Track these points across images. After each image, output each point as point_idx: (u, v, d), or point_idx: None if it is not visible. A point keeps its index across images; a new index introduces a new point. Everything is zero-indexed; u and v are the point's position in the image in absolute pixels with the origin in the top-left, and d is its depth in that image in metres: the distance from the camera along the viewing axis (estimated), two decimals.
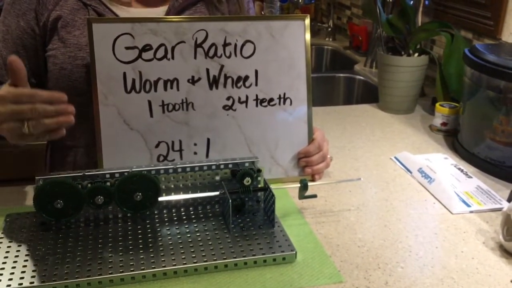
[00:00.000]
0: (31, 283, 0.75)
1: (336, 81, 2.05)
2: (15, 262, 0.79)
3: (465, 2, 1.59)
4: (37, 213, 0.86)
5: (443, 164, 1.16)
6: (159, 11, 1.06)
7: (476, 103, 1.20)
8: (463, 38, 1.47)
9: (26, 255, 0.81)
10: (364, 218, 0.96)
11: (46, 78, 1.06)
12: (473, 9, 1.55)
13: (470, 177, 1.11)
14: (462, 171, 1.13)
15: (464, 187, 1.06)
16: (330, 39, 2.53)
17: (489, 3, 1.47)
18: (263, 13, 2.61)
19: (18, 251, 0.82)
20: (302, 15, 1.02)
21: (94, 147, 0.98)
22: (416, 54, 1.49)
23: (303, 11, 2.65)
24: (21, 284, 0.74)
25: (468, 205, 1.00)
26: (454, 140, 1.30)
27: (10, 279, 0.75)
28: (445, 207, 1.00)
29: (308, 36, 1.01)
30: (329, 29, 2.54)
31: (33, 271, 0.77)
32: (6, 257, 0.80)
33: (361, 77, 1.99)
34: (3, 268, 0.77)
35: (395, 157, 1.21)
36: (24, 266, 0.78)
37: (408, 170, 1.15)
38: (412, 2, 1.53)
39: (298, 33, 1.01)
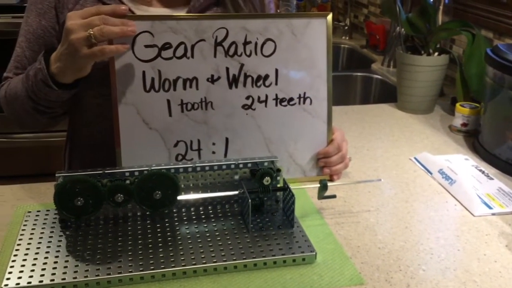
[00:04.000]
0: (51, 280, 0.75)
1: (353, 80, 2.04)
2: (35, 259, 0.79)
3: (486, 1, 1.57)
4: (57, 210, 0.86)
5: (464, 165, 1.15)
6: (179, 12, 1.05)
7: (498, 103, 1.18)
8: (484, 37, 1.45)
9: (46, 252, 0.81)
10: (384, 219, 0.95)
11: None
12: (494, 8, 1.53)
13: (491, 178, 1.09)
14: (483, 172, 1.12)
15: (486, 189, 1.05)
16: (347, 38, 2.51)
17: (510, 2, 1.45)
18: (279, 11, 2.60)
19: (38, 248, 0.82)
20: (324, 13, 1.00)
21: (112, 145, 0.98)
22: (436, 54, 1.47)
23: (319, 9, 2.64)
24: (41, 281, 0.75)
25: (490, 207, 0.99)
26: (474, 141, 1.29)
27: (31, 276, 0.75)
28: (466, 209, 0.99)
29: (330, 34, 1.00)
30: (346, 27, 2.53)
31: (53, 268, 0.77)
32: (26, 254, 0.80)
33: (379, 76, 1.97)
34: (23, 265, 0.78)
35: (415, 158, 1.20)
36: (44, 263, 0.78)
37: (429, 171, 1.13)
38: (432, 0, 1.51)
39: (320, 31, 1.00)
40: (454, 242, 0.88)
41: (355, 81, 2.04)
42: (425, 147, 1.27)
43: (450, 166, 1.11)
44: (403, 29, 1.54)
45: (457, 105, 1.36)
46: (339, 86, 1.99)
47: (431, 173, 1.12)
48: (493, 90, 1.19)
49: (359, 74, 2.03)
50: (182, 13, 1.05)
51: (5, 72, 1.06)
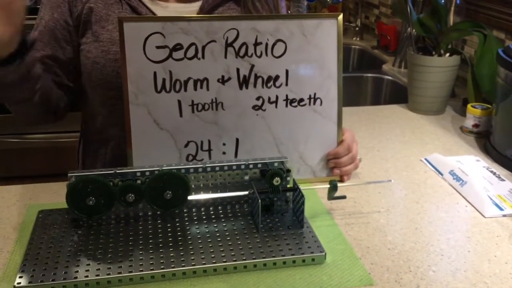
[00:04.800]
0: (63, 279, 0.76)
1: (363, 81, 2.03)
2: (47, 258, 0.80)
3: (497, 1, 1.56)
4: (69, 209, 0.87)
5: (475, 167, 1.14)
6: (193, 7, 1.06)
7: (509, 104, 1.18)
8: (495, 38, 1.44)
9: (58, 251, 0.82)
10: (394, 221, 0.95)
11: (79, 72, 1.07)
12: (506, 8, 1.52)
13: (502, 180, 1.09)
14: (494, 173, 1.11)
15: (497, 190, 1.04)
16: (358, 39, 2.51)
17: None
18: (289, 12, 2.60)
19: (50, 247, 0.83)
20: (335, 14, 1.00)
21: (124, 140, 0.99)
22: (448, 54, 1.46)
23: (330, 10, 2.64)
24: (53, 280, 0.75)
25: (501, 209, 0.98)
26: (486, 142, 1.28)
27: (43, 275, 0.76)
28: (477, 210, 0.99)
29: (340, 35, 1.00)
30: (357, 28, 2.52)
31: (65, 267, 0.78)
32: (38, 253, 0.81)
33: (390, 77, 1.97)
34: (35, 264, 0.79)
35: (426, 159, 1.19)
36: (56, 262, 0.79)
37: (439, 172, 1.13)
38: (443, 1, 1.51)
39: (331, 32, 1.00)
40: (464, 243, 0.88)
41: (366, 82, 2.03)
42: (436, 148, 1.26)
43: (461, 167, 1.11)
44: (414, 30, 1.54)
45: (469, 106, 1.36)
46: (350, 87, 1.99)
47: (442, 174, 1.12)
48: (505, 91, 1.18)
49: (370, 75, 2.03)
50: (196, 8, 1.05)
51: None
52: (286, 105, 1.02)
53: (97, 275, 0.76)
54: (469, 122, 1.35)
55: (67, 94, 1.09)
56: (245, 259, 0.80)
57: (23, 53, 0.89)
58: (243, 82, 0.99)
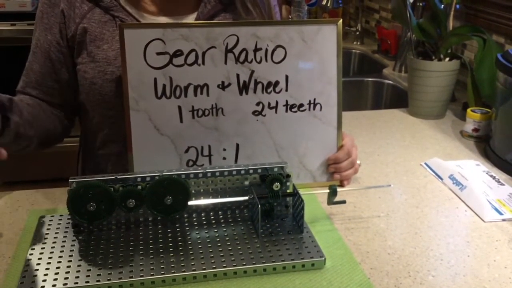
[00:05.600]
0: (64, 284, 0.76)
1: (364, 85, 2.04)
2: (48, 263, 0.81)
3: (497, 6, 1.56)
4: (70, 215, 0.87)
5: (475, 171, 1.14)
6: (188, 19, 1.06)
7: (509, 108, 1.18)
8: (495, 42, 1.45)
9: (60, 256, 0.82)
10: (394, 225, 0.95)
11: (77, 91, 1.07)
12: (505, 13, 1.53)
13: (502, 184, 1.09)
14: (494, 178, 1.11)
15: (497, 195, 1.04)
16: (358, 43, 2.51)
17: None
18: (290, 17, 2.61)
19: (51, 252, 0.83)
20: (334, 19, 1.01)
21: (125, 155, 0.99)
22: (447, 59, 1.47)
23: (331, 15, 2.65)
24: (54, 285, 0.76)
25: (501, 213, 0.98)
26: (486, 146, 1.28)
27: (44, 281, 0.77)
28: (477, 215, 0.99)
29: (340, 40, 1.01)
30: (357, 32, 2.53)
31: (66, 272, 0.78)
32: (40, 259, 0.82)
33: (390, 82, 1.97)
34: (37, 270, 0.79)
35: (426, 163, 1.20)
36: (58, 267, 0.80)
37: (439, 177, 1.13)
38: (443, 6, 1.51)
39: (330, 38, 1.00)
40: (464, 248, 0.88)
41: (366, 86, 2.04)
42: (436, 153, 1.27)
43: (461, 171, 1.11)
44: (414, 35, 1.54)
45: (468, 110, 1.36)
46: (351, 91, 1.99)
47: (441, 179, 1.12)
48: (504, 95, 1.19)
49: (370, 79, 2.04)
50: (190, 21, 1.06)
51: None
52: (286, 111, 1.02)
53: (98, 281, 0.77)
54: (469, 127, 1.35)
55: (66, 113, 1.10)
56: (245, 264, 0.80)
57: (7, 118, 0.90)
58: (243, 88, 0.99)
